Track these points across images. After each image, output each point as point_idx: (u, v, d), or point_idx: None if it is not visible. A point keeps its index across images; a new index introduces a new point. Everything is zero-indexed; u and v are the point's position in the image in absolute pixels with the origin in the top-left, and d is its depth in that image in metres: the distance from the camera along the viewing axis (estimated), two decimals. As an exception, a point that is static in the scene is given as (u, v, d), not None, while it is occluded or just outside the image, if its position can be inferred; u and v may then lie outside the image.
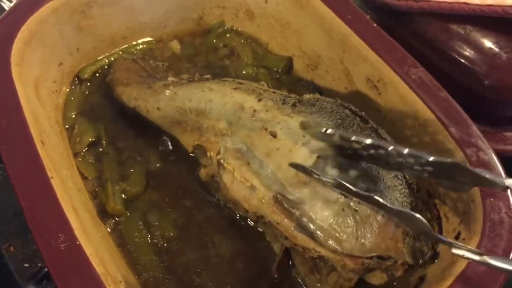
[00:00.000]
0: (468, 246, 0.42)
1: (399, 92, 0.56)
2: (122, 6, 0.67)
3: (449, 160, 0.42)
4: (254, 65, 0.70)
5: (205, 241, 0.54)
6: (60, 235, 0.43)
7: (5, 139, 0.48)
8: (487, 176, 0.42)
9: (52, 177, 0.47)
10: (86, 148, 0.61)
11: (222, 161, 0.53)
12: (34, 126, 0.50)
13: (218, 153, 0.53)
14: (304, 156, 0.48)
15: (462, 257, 0.41)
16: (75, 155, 0.60)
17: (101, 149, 0.61)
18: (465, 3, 0.67)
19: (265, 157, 0.50)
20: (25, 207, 0.44)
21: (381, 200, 0.41)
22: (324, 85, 0.67)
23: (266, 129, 0.50)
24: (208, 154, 0.54)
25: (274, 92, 0.55)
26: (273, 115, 0.51)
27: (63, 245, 0.43)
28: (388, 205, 0.41)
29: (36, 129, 0.50)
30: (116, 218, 0.56)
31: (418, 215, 0.39)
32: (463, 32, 0.68)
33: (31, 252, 0.60)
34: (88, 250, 0.43)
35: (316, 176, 0.44)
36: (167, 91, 0.58)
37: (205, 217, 0.56)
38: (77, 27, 0.65)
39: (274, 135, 0.50)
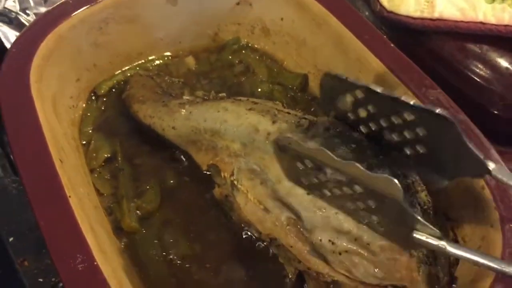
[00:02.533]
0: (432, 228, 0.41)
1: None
2: (139, 22, 0.68)
3: (438, 111, 0.42)
4: (269, 82, 0.70)
5: (219, 260, 0.54)
6: (78, 255, 0.43)
7: (24, 158, 0.48)
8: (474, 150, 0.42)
9: (70, 196, 0.47)
10: (102, 164, 0.61)
11: (235, 182, 0.53)
12: (53, 144, 0.51)
13: (232, 174, 0.53)
14: None
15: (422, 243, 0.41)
16: (91, 171, 0.61)
17: (116, 165, 0.62)
18: (481, 22, 0.67)
19: (279, 180, 0.50)
20: (43, 227, 0.44)
21: (360, 166, 0.40)
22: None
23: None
24: (222, 174, 0.54)
25: (289, 113, 0.55)
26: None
27: (81, 265, 0.43)
28: (367, 172, 0.40)
29: (55, 147, 0.51)
30: (131, 235, 0.56)
31: (395, 180, 0.38)
32: (479, 51, 0.68)
33: (45, 266, 0.60)
34: (105, 271, 0.43)
35: (297, 145, 0.44)
36: (182, 110, 0.58)
37: (219, 235, 0.56)
38: (94, 43, 0.65)
39: None
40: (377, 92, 0.44)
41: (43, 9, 0.79)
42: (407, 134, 0.46)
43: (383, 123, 0.47)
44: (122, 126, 0.65)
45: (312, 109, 0.67)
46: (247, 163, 0.52)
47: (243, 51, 0.74)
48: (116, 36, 0.67)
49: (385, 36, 0.62)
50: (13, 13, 0.78)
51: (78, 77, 0.65)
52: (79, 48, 0.64)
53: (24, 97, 0.53)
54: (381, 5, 0.72)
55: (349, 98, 0.47)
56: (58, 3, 0.63)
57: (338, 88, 0.48)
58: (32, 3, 0.79)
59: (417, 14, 0.69)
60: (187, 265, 0.54)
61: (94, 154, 0.62)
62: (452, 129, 0.42)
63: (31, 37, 0.59)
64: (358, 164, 0.40)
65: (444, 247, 0.40)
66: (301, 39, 0.70)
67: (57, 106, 0.60)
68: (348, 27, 0.62)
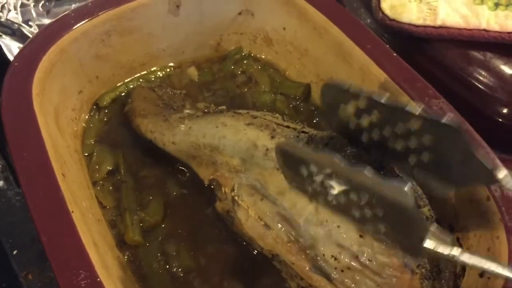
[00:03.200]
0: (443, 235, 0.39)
1: (420, 123, 0.55)
2: (141, 34, 0.68)
3: (445, 120, 0.40)
4: (271, 92, 0.70)
5: (221, 274, 0.54)
6: (81, 271, 0.43)
7: (26, 173, 0.48)
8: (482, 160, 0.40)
9: (72, 211, 0.47)
10: (105, 176, 0.61)
11: (236, 198, 0.52)
12: (55, 158, 0.51)
13: (233, 189, 0.53)
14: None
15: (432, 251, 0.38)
16: (94, 183, 0.60)
17: (119, 177, 0.62)
18: (485, 30, 0.67)
19: (279, 195, 0.49)
20: (46, 243, 0.44)
21: (369, 172, 0.38)
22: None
23: (278, 169, 0.49)
24: (223, 189, 0.54)
25: (288, 127, 0.55)
26: None
27: (84, 282, 0.42)
28: (377, 178, 0.37)
29: (57, 161, 0.51)
30: (134, 248, 0.56)
31: (405, 187, 0.36)
32: (482, 58, 0.68)
33: (48, 280, 0.60)
34: (108, 287, 0.43)
35: (304, 151, 0.42)
36: (182, 125, 0.58)
37: (222, 248, 0.56)
38: (97, 56, 0.65)
39: None
40: (381, 102, 0.44)
41: (45, 21, 0.79)
42: (412, 143, 0.44)
43: (387, 132, 0.46)
44: (124, 138, 0.65)
45: (315, 121, 0.67)
46: (248, 178, 0.52)
47: (246, 61, 0.74)
48: (119, 48, 0.67)
49: (387, 45, 0.62)
50: (16, 25, 0.78)
51: (81, 89, 0.65)
52: (81, 61, 0.64)
53: (26, 111, 0.53)
54: (383, 13, 0.72)
55: (351, 108, 0.46)
56: (60, 15, 0.63)
57: (340, 97, 0.47)
58: (34, 15, 0.80)
59: (419, 22, 0.69)
60: (190, 278, 0.54)
61: (97, 167, 0.62)
62: (460, 138, 0.41)
63: (33, 50, 0.59)
64: (367, 171, 0.38)
65: (457, 254, 0.38)
66: (303, 49, 0.69)
67: (59, 118, 0.60)
68: (349, 36, 0.62)
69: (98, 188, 0.60)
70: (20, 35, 0.78)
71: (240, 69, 0.73)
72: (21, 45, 0.75)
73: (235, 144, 0.53)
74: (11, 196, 0.66)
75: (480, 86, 0.67)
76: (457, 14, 0.68)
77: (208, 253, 0.56)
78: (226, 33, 0.74)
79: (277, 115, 0.58)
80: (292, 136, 0.52)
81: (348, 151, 0.48)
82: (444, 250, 0.38)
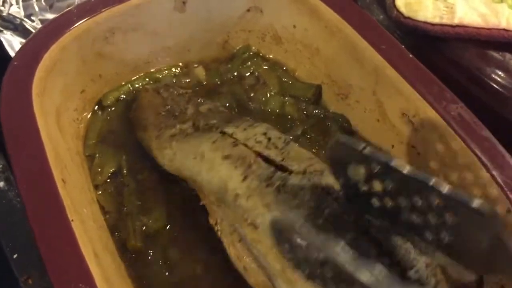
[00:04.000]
0: None
1: (437, 129, 0.52)
2: (146, 31, 0.65)
3: (476, 205, 0.33)
4: (280, 94, 0.67)
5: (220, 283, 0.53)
6: (81, 285, 0.41)
7: (25, 179, 0.46)
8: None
9: (72, 220, 0.45)
10: (107, 179, 0.59)
11: (219, 233, 0.51)
12: (55, 163, 0.48)
13: (216, 222, 0.51)
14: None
15: None
16: (96, 187, 0.59)
17: (121, 179, 0.60)
18: (504, 29, 0.64)
19: (252, 242, 0.46)
20: (44, 254, 0.43)
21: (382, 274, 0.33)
22: (354, 116, 0.64)
23: (247, 220, 0.46)
24: (210, 219, 0.52)
25: (268, 159, 0.49)
26: (253, 203, 0.46)
27: (83, 295, 0.41)
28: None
29: (57, 166, 0.49)
30: (136, 255, 0.54)
31: None
32: (501, 59, 0.65)
33: (49, 285, 0.58)
34: (109, 301, 0.41)
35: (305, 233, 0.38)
36: (169, 150, 0.55)
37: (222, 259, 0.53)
38: (100, 54, 0.63)
39: (255, 227, 0.46)
40: (402, 172, 0.37)
41: (48, 15, 0.77)
42: (431, 219, 0.37)
43: (402, 202, 0.38)
44: (127, 139, 0.63)
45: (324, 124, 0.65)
46: (227, 216, 0.49)
47: (254, 59, 0.71)
48: (122, 46, 0.64)
49: (403, 46, 0.59)
50: (18, 19, 0.76)
51: (83, 88, 0.63)
52: (83, 59, 0.62)
53: (26, 113, 0.51)
54: (398, 10, 0.69)
55: (362, 170, 0.39)
56: (62, 12, 0.61)
57: (351, 156, 0.40)
58: (37, 9, 0.77)
59: (436, 20, 0.66)
60: (193, 285, 0.53)
61: (99, 169, 0.60)
62: (491, 225, 0.34)
63: (34, 48, 0.56)
64: (378, 269, 0.33)
65: None
66: (314, 48, 0.67)
67: (60, 119, 0.58)
68: (363, 36, 0.59)
69: (100, 192, 0.58)
70: (22, 30, 0.76)
71: (248, 71, 0.70)
72: (23, 41, 0.73)
73: (208, 183, 0.50)
74: (11, 197, 0.64)
75: (498, 88, 0.64)
76: (475, 13, 0.66)
77: (209, 262, 0.54)
78: (234, 31, 0.71)
79: (262, 137, 0.52)
80: (265, 178, 0.47)
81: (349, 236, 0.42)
82: None
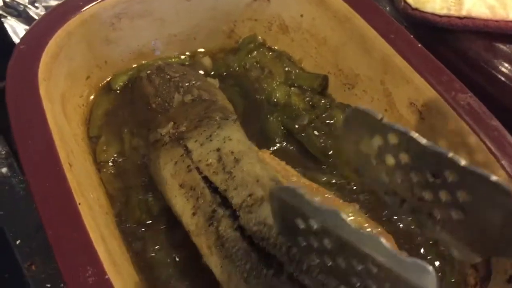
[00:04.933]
0: None
1: (446, 119, 0.52)
2: (152, 18, 0.65)
3: (494, 179, 0.32)
4: (286, 84, 0.67)
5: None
6: (88, 268, 0.41)
7: (31, 162, 0.46)
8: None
9: (79, 203, 0.44)
10: (112, 161, 0.59)
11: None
12: (61, 147, 0.48)
13: None
14: None
15: None
16: (99, 170, 0.58)
17: (125, 158, 0.60)
18: (512, 21, 0.64)
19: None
20: (52, 237, 0.42)
21: (384, 242, 0.30)
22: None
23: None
24: None
25: (216, 190, 0.47)
26: (200, 243, 0.46)
27: (91, 279, 0.40)
28: (392, 250, 0.29)
29: (64, 150, 0.48)
30: (141, 240, 0.54)
31: (429, 267, 0.28)
32: (509, 51, 0.65)
33: (53, 271, 0.58)
34: (117, 285, 0.41)
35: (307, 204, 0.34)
36: (150, 154, 0.55)
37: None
38: (106, 40, 0.63)
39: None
40: (418, 142, 0.36)
41: (52, 2, 0.77)
42: (442, 196, 0.36)
43: (414, 177, 0.37)
44: (131, 122, 0.63)
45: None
46: None
47: (260, 49, 0.70)
48: (129, 32, 0.64)
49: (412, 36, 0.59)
50: (22, 6, 0.76)
51: (89, 74, 0.63)
52: (89, 45, 0.61)
53: (32, 97, 0.51)
54: (405, 1, 0.69)
55: (377, 142, 0.38)
56: (68, -3, 0.61)
57: (366, 127, 0.38)
58: (41, -5, 0.77)
59: (443, 12, 0.66)
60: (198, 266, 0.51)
61: (104, 149, 0.60)
62: (507, 203, 0.33)
63: (40, 33, 0.56)
64: (382, 240, 0.30)
65: None
66: (321, 37, 0.66)
67: (66, 105, 0.57)
68: (372, 25, 0.59)
69: (104, 171, 0.58)
70: (26, 17, 0.75)
71: (254, 60, 0.70)
72: (27, 27, 0.73)
73: (170, 209, 0.50)
74: (15, 183, 0.63)
75: (506, 81, 0.64)
76: (483, 5, 0.65)
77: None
78: (240, 19, 0.71)
79: (214, 156, 0.49)
80: (209, 212, 0.46)
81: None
82: None
